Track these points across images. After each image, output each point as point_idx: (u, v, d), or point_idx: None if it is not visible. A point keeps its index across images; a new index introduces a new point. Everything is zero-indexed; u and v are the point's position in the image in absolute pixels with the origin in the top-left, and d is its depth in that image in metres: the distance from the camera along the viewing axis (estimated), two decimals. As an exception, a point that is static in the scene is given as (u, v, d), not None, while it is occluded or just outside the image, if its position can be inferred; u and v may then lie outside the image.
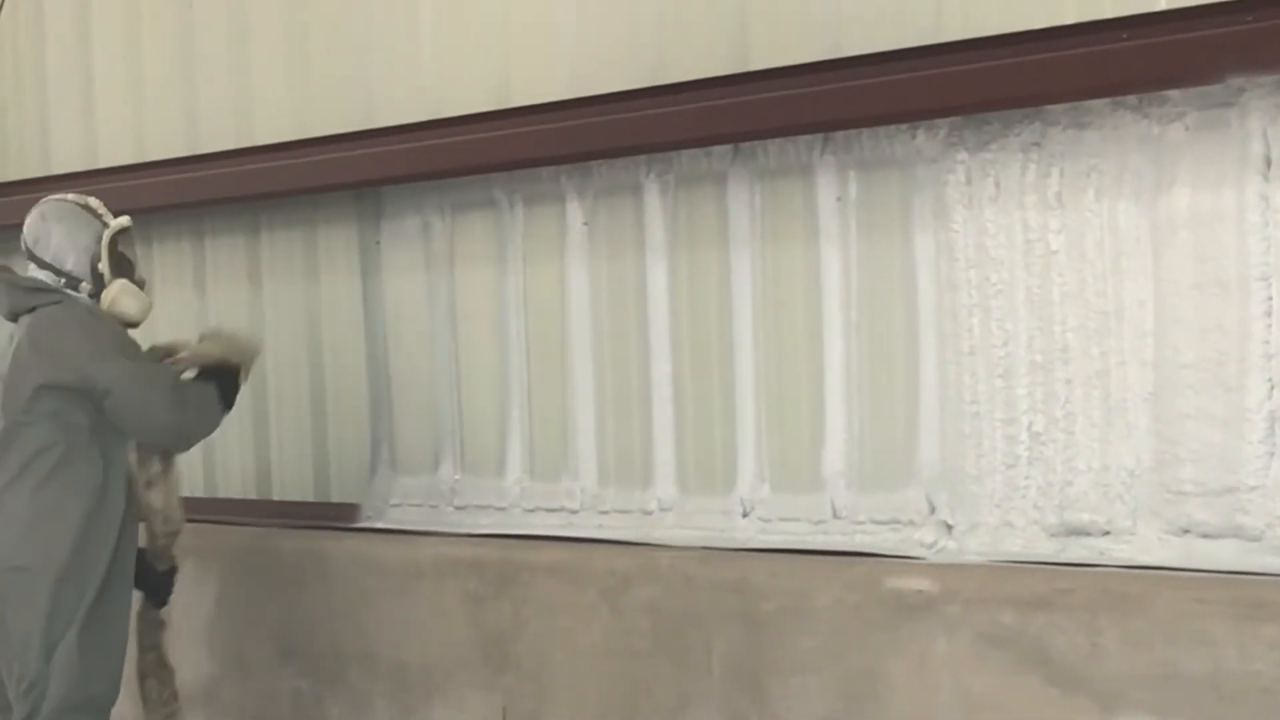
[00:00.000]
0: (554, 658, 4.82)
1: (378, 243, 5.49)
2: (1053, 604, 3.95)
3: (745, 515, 4.67)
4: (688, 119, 4.52)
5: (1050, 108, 4.06)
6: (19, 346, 4.40)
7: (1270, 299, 3.81)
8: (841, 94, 4.25)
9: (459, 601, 5.03)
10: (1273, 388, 3.82)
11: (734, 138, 4.56)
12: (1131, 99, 3.95)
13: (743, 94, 4.42)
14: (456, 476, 5.32)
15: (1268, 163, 3.80)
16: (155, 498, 4.58)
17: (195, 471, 6.01)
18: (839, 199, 4.46)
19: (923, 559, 4.31)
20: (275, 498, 5.85)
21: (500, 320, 5.17)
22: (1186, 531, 3.96)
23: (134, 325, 4.54)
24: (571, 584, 4.79)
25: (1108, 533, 4.07)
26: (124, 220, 4.53)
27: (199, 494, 6.00)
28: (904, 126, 4.30)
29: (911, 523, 4.36)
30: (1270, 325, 3.82)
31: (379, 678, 5.22)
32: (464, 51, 5.18)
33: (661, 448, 4.83)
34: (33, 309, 4.44)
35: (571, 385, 5.01)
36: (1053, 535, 4.14)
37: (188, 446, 4.64)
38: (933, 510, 4.33)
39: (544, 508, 5.11)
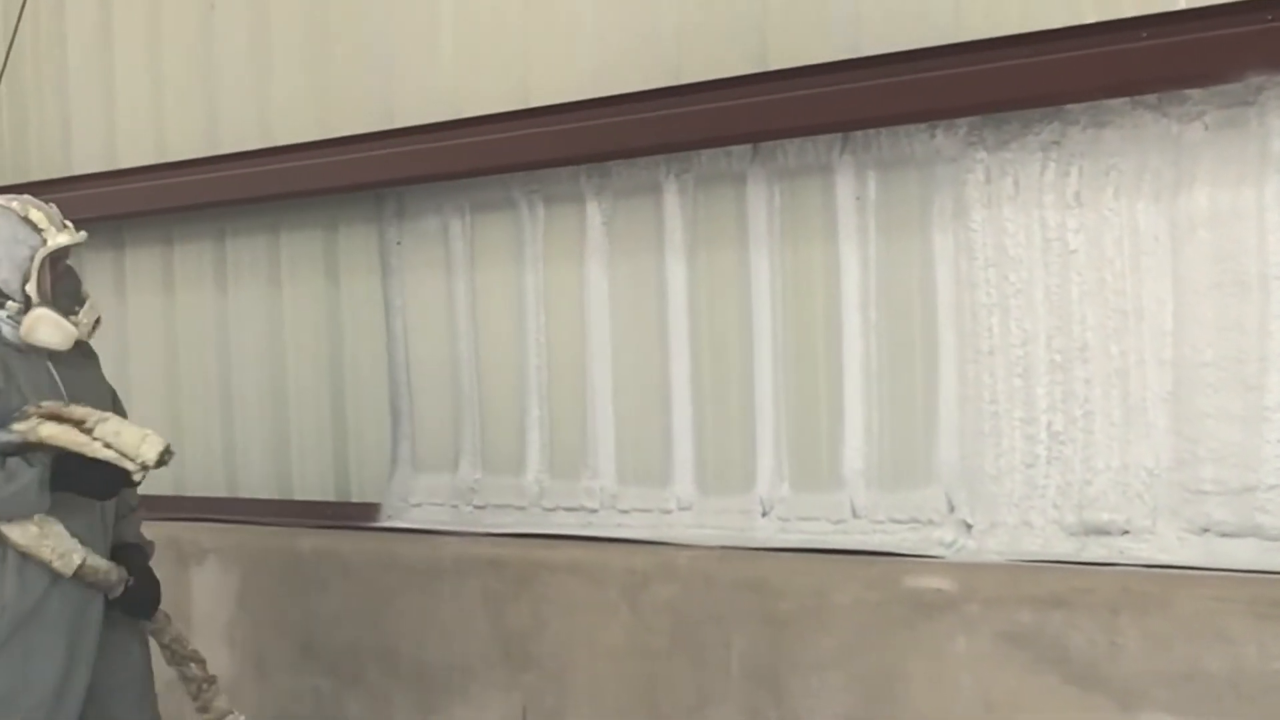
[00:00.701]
0: (574, 657, 4.83)
1: (398, 243, 5.51)
2: (1072, 603, 3.95)
3: (764, 514, 4.67)
4: (707, 119, 4.52)
5: (1069, 107, 4.06)
6: None
7: (1290, 298, 3.81)
8: (860, 93, 4.25)
9: (479, 600, 5.04)
10: (1293, 387, 3.82)
11: (753, 137, 4.56)
12: (1151, 98, 3.95)
13: (761, 94, 4.43)
14: (476, 476, 5.33)
15: (1287, 161, 3.80)
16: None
17: (216, 471, 6.04)
18: (858, 198, 4.46)
19: (942, 558, 4.31)
20: (296, 497, 5.85)
21: (519, 320, 5.18)
22: (1206, 530, 3.96)
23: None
24: (591, 583, 4.80)
25: (1127, 532, 4.06)
26: (63, 239, 4.09)
27: (220, 494, 6.02)
28: (923, 126, 4.30)
29: (931, 522, 4.37)
30: (1290, 324, 3.82)
31: (399, 677, 5.24)
32: (483, 52, 5.19)
33: (681, 447, 4.83)
34: None
35: (591, 385, 5.02)
36: (1072, 534, 4.14)
37: None
38: (952, 509, 4.33)
39: (563, 507, 5.11)
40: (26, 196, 4.15)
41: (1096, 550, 4.10)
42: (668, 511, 4.86)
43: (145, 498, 6.25)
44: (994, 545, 4.25)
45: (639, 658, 4.68)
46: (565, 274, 5.06)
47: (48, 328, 4.05)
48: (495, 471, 5.29)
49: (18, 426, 3.95)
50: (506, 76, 5.12)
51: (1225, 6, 3.75)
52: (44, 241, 4.06)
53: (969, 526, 4.30)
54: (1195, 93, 3.89)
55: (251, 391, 5.95)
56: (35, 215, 4.08)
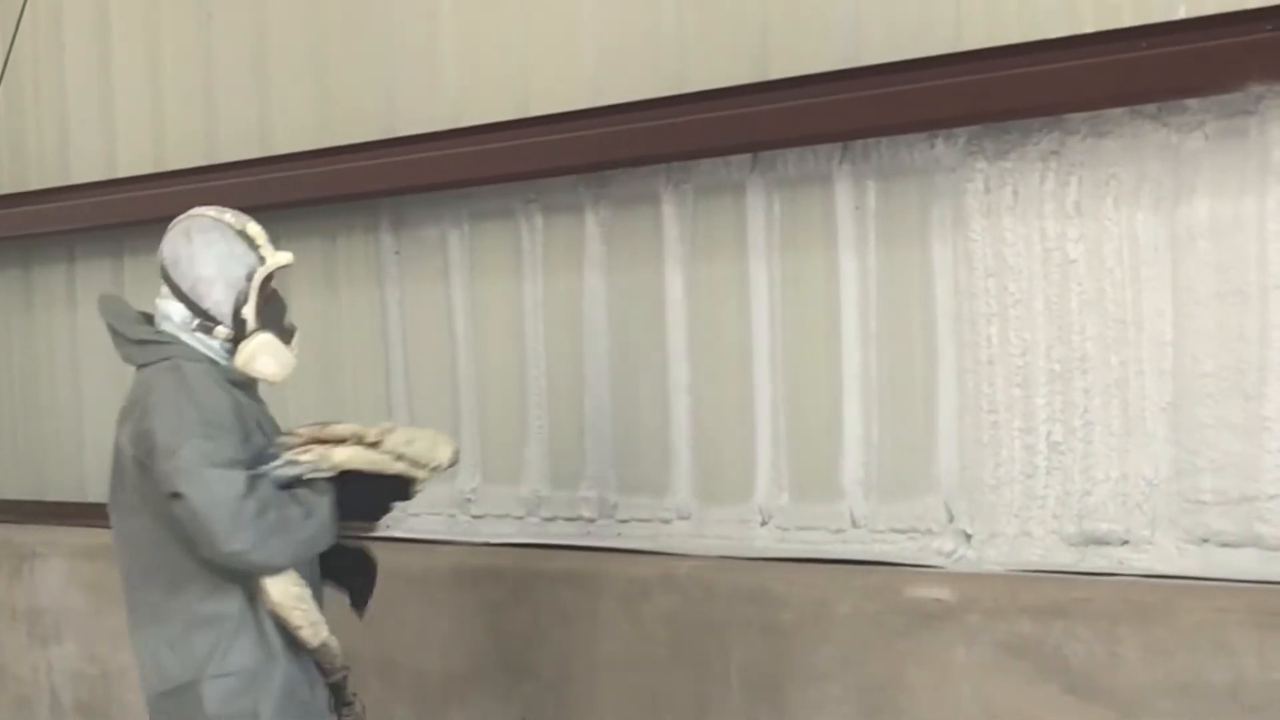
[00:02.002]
0: (573, 666, 4.82)
1: (397, 252, 5.50)
2: (1071, 613, 3.94)
3: (764, 524, 4.67)
4: (705, 128, 4.52)
5: (1069, 116, 4.05)
6: (122, 417, 3.66)
7: (1290, 308, 3.81)
8: (860, 103, 4.25)
9: (477, 610, 5.04)
10: (1293, 396, 3.82)
11: (752, 147, 4.56)
12: (1150, 108, 3.95)
13: (761, 103, 4.43)
14: (475, 485, 5.33)
15: (1288, 171, 3.80)
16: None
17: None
18: (857, 208, 4.46)
19: (941, 568, 4.31)
20: (294, 506, 5.83)
21: (518, 329, 5.17)
22: (1205, 541, 3.96)
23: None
24: (590, 593, 4.79)
25: (1126, 542, 4.06)
26: (285, 257, 3.68)
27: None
28: (923, 135, 4.30)
29: (930, 532, 4.36)
30: (1291, 334, 3.82)
31: (399, 686, 5.23)
32: (484, 61, 5.19)
33: (679, 456, 4.83)
34: (138, 365, 3.69)
35: (589, 394, 5.01)
36: (1071, 544, 4.14)
37: (260, 574, 3.57)
38: (951, 519, 4.33)
39: (562, 516, 5.11)
40: (232, 210, 3.74)
41: (1096, 560, 4.10)
42: (666, 521, 4.85)
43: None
44: (993, 555, 4.25)
45: (638, 668, 4.68)
46: (564, 283, 5.06)
47: (267, 358, 3.64)
48: (493, 481, 5.28)
49: (303, 457, 3.57)
50: (505, 86, 5.12)
51: (1225, 16, 3.75)
52: (262, 260, 3.64)
53: (968, 536, 4.30)
54: (1195, 102, 3.89)
55: (250, 400, 5.94)
56: (252, 230, 3.67)
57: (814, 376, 4.55)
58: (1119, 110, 3.99)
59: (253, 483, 3.45)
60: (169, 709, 3.61)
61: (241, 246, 3.63)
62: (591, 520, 5.03)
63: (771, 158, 4.59)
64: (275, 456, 3.59)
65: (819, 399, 4.54)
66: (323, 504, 3.55)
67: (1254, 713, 3.69)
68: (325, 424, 3.70)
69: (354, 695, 3.97)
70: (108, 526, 6.14)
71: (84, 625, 6.23)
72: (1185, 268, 3.94)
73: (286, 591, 3.59)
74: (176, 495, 3.42)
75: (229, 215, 3.68)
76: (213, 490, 3.40)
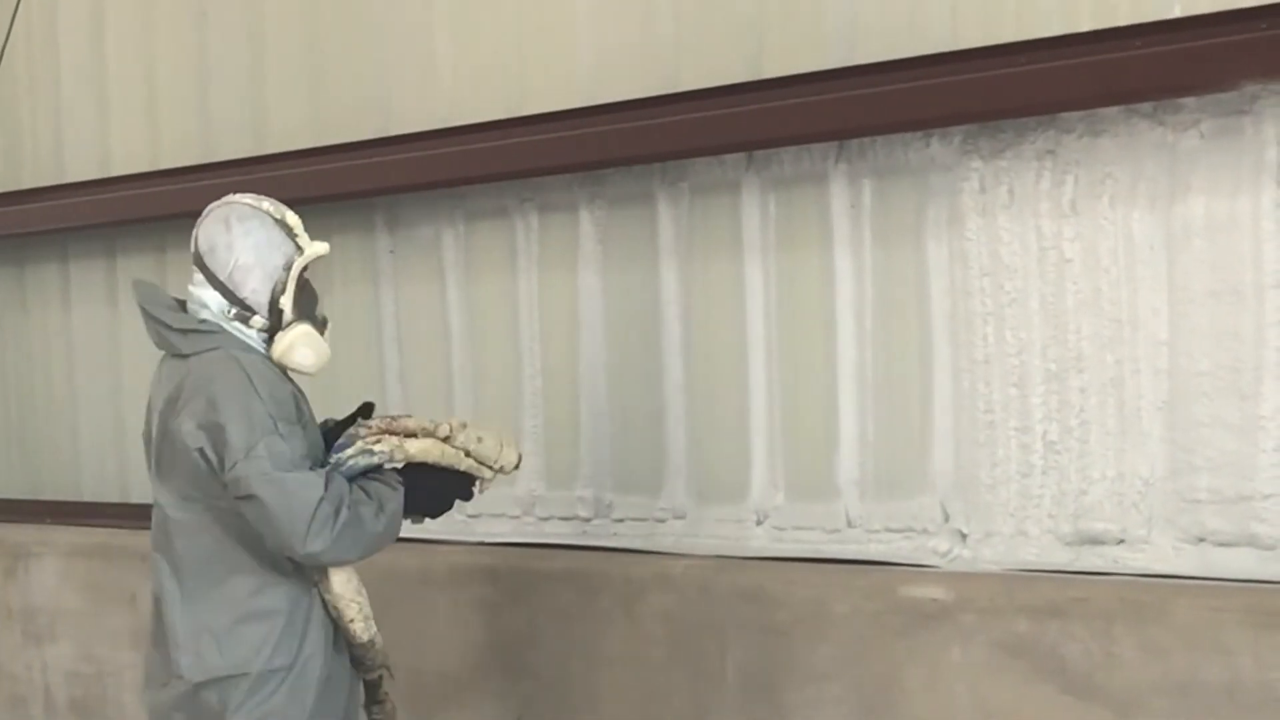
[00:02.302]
0: (569, 666, 4.82)
1: (391, 251, 5.50)
2: (1067, 613, 3.94)
3: (759, 523, 4.67)
4: (701, 127, 4.52)
5: (1065, 115, 4.05)
6: (171, 405, 3.56)
7: (1286, 307, 3.81)
8: (856, 101, 4.25)
9: (474, 610, 5.03)
10: (1289, 395, 3.82)
11: (748, 146, 4.56)
12: (1146, 106, 3.95)
13: (757, 102, 4.42)
14: (470, 484, 5.32)
15: (1283, 170, 3.80)
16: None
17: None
18: (853, 207, 4.45)
19: (937, 568, 4.32)
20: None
21: (513, 329, 5.17)
22: (1201, 540, 3.96)
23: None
24: (586, 592, 4.79)
25: (1122, 541, 4.06)
26: (322, 247, 3.63)
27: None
28: (918, 134, 4.30)
29: (926, 531, 4.36)
30: (1286, 333, 3.81)
31: (395, 686, 5.21)
32: (478, 60, 5.18)
33: (674, 455, 4.82)
34: (182, 354, 3.59)
35: (584, 393, 5.01)
36: (1067, 544, 4.14)
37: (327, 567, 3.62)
38: (947, 519, 4.33)
39: (558, 516, 5.11)
40: (269, 198, 3.68)
41: (1092, 560, 4.10)
42: (662, 521, 4.85)
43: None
44: (989, 555, 4.25)
45: (635, 667, 4.68)
46: (559, 282, 5.05)
47: (305, 349, 3.60)
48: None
49: (378, 447, 3.58)
50: (500, 85, 5.11)
51: (1220, 15, 3.75)
52: (300, 250, 3.60)
53: (964, 536, 4.29)
54: (1190, 101, 3.89)
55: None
56: (291, 220, 3.62)
57: (809, 376, 4.54)
58: (1114, 109, 3.98)
59: (328, 481, 3.45)
60: (206, 700, 3.57)
61: (280, 235, 3.59)
62: (587, 520, 5.03)
63: (767, 157, 4.59)
64: (346, 446, 3.59)
65: (814, 398, 4.53)
66: (395, 498, 3.55)
67: (1250, 712, 3.69)
68: (395, 418, 3.69)
69: (385, 695, 3.98)
70: (102, 525, 6.14)
71: (79, 624, 6.22)
72: (1181, 267, 3.93)
73: (348, 583, 3.63)
74: (250, 497, 3.40)
75: (267, 203, 3.63)
76: (291, 494, 3.39)
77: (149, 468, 3.72)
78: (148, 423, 3.71)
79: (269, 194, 5.32)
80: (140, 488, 5.40)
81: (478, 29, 5.19)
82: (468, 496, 3.76)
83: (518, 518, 5.20)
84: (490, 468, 3.72)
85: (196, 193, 5.71)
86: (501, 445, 3.74)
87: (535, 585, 4.91)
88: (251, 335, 3.59)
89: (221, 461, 3.43)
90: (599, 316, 4.96)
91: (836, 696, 4.30)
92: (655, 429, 4.85)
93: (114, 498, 6.34)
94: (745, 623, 4.46)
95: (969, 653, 4.08)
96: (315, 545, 3.42)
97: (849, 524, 4.50)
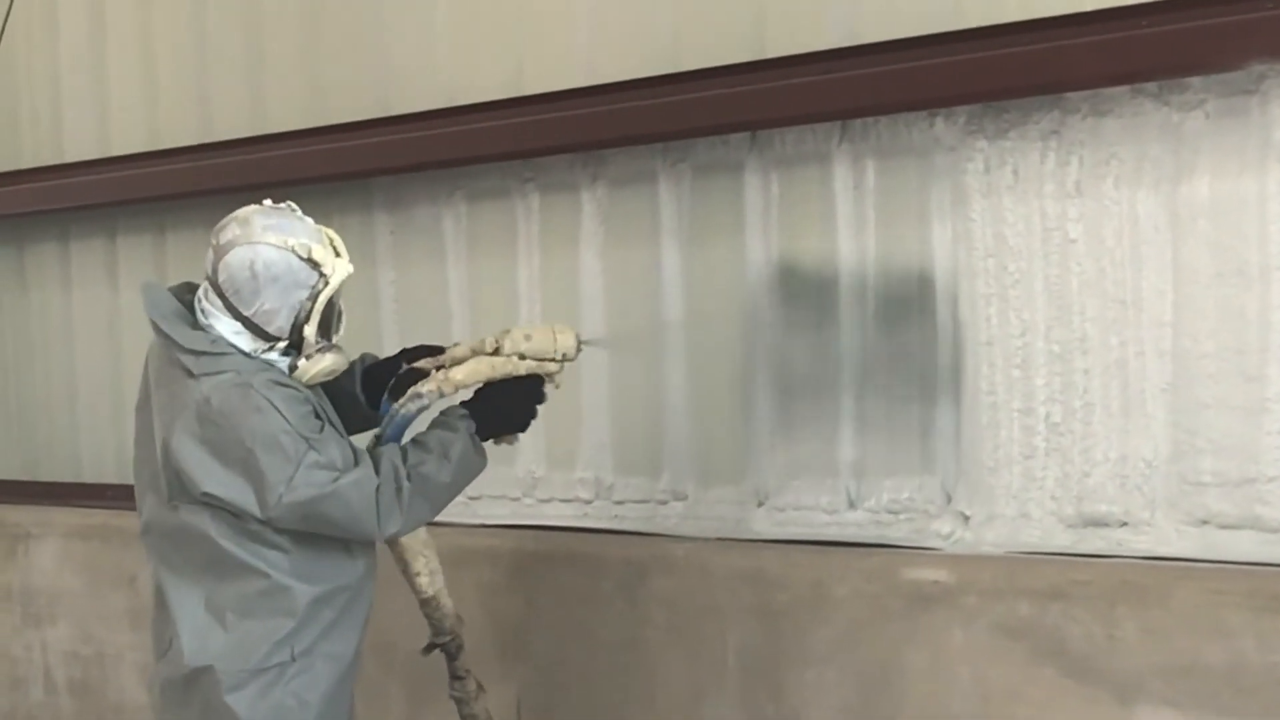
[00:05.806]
0: (569, 648, 4.81)
1: (391, 232, 5.48)
2: (1069, 595, 3.93)
3: (760, 505, 4.65)
4: (704, 107, 4.49)
5: (1069, 95, 4.03)
6: (177, 421, 3.47)
7: (1291, 288, 3.79)
8: (859, 81, 4.23)
9: (473, 592, 5.01)
10: (1293, 378, 3.80)
11: (750, 126, 4.53)
12: (1151, 86, 3.93)
13: (759, 81, 4.40)
14: (470, 466, 5.30)
15: (1289, 151, 3.78)
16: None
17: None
18: (856, 187, 4.43)
19: (939, 550, 4.30)
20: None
21: (513, 309, 5.14)
22: (1205, 523, 3.95)
23: None
24: (586, 575, 4.78)
25: (1125, 524, 4.05)
26: (345, 270, 3.56)
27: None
28: (922, 114, 4.27)
29: (928, 513, 4.35)
30: (1291, 315, 3.80)
31: (394, 668, 5.21)
32: (479, 39, 5.16)
33: (675, 437, 4.81)
34: (191, 374, 3.47)
35: (585, 374, 4.99)
36: (1070, 526, 4.13)
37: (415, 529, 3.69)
38: (949, 501, 4.31)
39: (558, 498, 5.09)
40: (295, 232, 3.50)
41: (1094, 542, 4.08)
42: (662, 503, 4.84)
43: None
44: (991, 537, 4.23)
45: (635, 649, 4.66)
46: (560, 263, 5.03)
47: (325, 369, 3.56)
48: (489, 462, 5.25)
49: (425, 388, 3.55)
50: (502, 64, 5.09)
51: (1227, -6, 3.73)
52: (325, 281, 3.51)
53: (966, 518, 4.28)
54: (1196, 81, 3.87)
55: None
56: (319, 255, 3.49)
57: (811, 357, 4.52)
58: (1120, 89, 3.96)
59: (377, 462, 3.43)
60: (202, 687, 3.52)
61: (306, 272, 3.48)
62: (588, 502, 5.02)
63: (769, 136, 4.56)
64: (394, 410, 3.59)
65: (816, 379, 4.51)
66: (458, 439, 3.52)
67: (1252, 695, 3.68)
68: (442, 349, 3.65)
69: (466, 671, 4.00)
70: (101, 506, 6.12)
71: (78, 606, 6.22)
72: (1186, 248, 3.91)
73: (416, 535, 3.62)
74: (310, 517, 3.39)
75: (293, 240, 3.47)
76: (348, 500, 3.38)
77: (136, 441, 3.70)
78: (143, 394, 3.65)
79: (269, 174, 5.38)
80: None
81: (478, 8, 5.16)
82: (541, 398, 3.66)
83: (518, 500, 5.19)
84: (554, 360, 3.61)
85: (196, 172, 5.75)
86: (555, 334, 3.61)
87: (535, 567, 4.90)
88: (272, 356, 3.53)
89: (260, 500, 3.38)
90: (600, 297, 4.94)
91: (837, 679, 4.29)
92: (655, 410, 4.83)
93: (113, 479, 6.31)
94: (746, 605, 4.45)
95: (970, 635, 4.07)
96: (391, 527, 3.44)
97: (850, 506, 4.48)
